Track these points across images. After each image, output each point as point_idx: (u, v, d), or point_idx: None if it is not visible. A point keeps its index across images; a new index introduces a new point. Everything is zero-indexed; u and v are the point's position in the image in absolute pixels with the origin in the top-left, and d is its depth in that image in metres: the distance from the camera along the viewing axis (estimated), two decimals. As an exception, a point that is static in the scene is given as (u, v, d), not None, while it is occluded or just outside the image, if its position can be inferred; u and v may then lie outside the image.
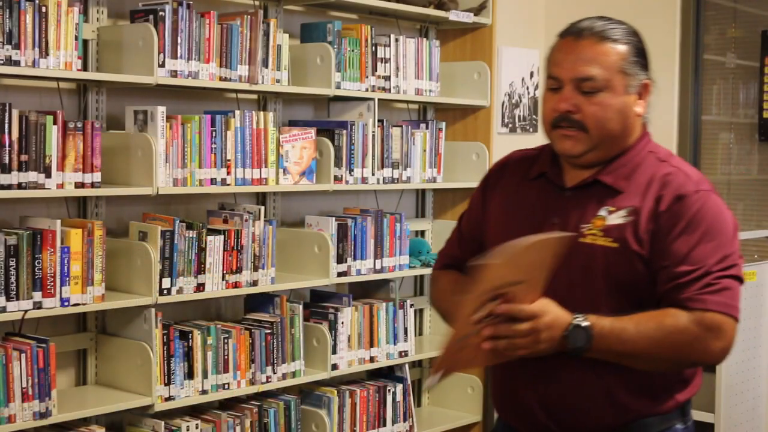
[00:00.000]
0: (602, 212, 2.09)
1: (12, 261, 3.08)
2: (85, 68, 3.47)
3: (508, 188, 2.25)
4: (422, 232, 4.76)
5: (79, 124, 3.24)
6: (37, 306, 3.15)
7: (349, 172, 4.03)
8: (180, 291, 3.48)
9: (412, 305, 4.34)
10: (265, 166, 3.75)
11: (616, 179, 2.11)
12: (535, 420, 2.16)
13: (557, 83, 2.11)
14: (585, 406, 2.11)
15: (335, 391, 4.05)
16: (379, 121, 4.16)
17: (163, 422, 3.50)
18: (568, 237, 2.00)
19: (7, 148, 3.06)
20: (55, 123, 3.17)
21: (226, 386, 3.64)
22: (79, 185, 3.24)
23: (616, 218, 2.07)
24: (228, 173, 3.62)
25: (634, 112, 2.13)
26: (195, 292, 3.53)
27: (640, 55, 2.13)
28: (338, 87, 4.00)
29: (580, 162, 2.14)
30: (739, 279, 2.04)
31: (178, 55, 3.49)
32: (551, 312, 1.98)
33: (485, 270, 1.94)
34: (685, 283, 2.00)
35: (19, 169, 3.10)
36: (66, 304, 3.21)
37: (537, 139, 4.80)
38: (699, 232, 2.02)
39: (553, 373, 2.11)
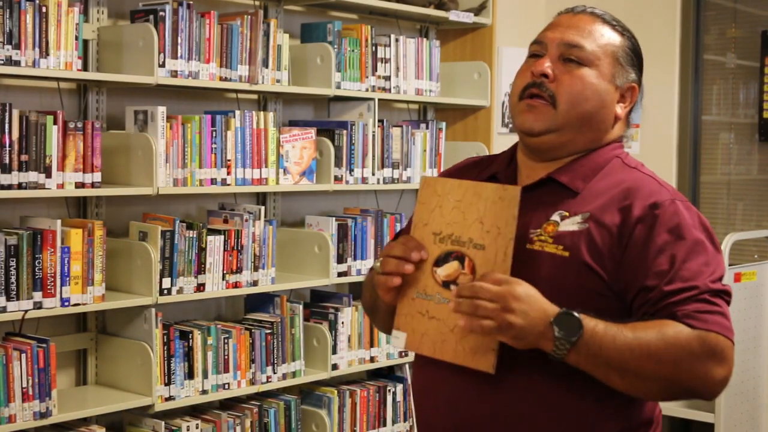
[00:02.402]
0: (555, 217, 1.83)
1: (12, 261, 3.08)
2: (85, 68, 3.47)
3: None
4: (422, 232, 4.75)
5: (80, 124, 3.24)
6: (38, 306, 3.15)
7: (350, 172, 4.03)
8: (180, 291, 3.48)
9: (412, 305, 4.33)
10: (266, 166, 3.75)
11: (572, 179, 1.86)
12: None
13: (541, 48, 1.90)
14: None
15: (335, 391, 4.05)
16: (379, 121, 4.16)
17: (163, 422, 3.50)
18: (512, 189, 1.76)
19: (8, 148, 3.06)
20: (55, 123, 3.17)
21: (227, 386, 3.64)
22: (80, 185, 3.24)
23: (570, 224, 1.81)
24: (228, 173, 3.63)
25: (613, 109, 1.90)
26: (195, 292, 3.53)
27: (636, 54, 1.94)
28: (338, 87, 4.01)
29: (537, 144, 1.89)
30: (729, 297, 1.79)
31: (179, 55, 3.49)
32: (528, 287, 1.68)
33: (423, 185, 1.80)
34: (679, 302, 1.72)
35: (20, 169, 3.10)
36: (66, 304, 3.21)
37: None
38: (685, 246, 1.76)
39: (487, 389, 1.79)
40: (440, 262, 1.76)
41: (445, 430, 1.85)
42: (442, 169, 4.41)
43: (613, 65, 1.89)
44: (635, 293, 1.76)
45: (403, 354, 4.25)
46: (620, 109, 1.92)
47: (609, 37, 1.90)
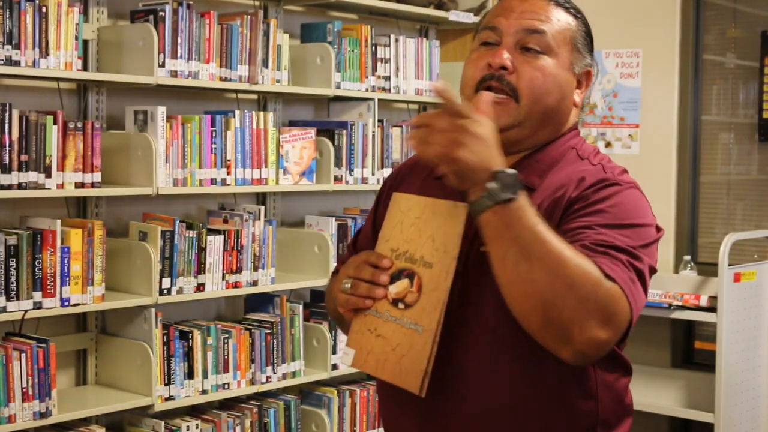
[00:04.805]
0: None
1: (12, 261, 3.08)
2: (85, 68, 3.47)
3: (409, 191, 1.83)
4: (422, 232, 4.75)
5: (80, 124, 3.24)
6: (38, 306, 3.15)
7: (349, 172, 4.03)
8: (180, 291, 3.48)
9: (412, 305, 4.33)
10: (265, 166, 3.75)
11: (528, 176, 1.72)
12: None
13: (495, 35, 1.76)
14: None
15: (335, 391, 4.05)
16: (379, 121, 4.16)
17: (163, 422, 3.50)
18: (461, 206, 1.64)
19: (8, 148, 3.06)
20: (55, 123, 3.17)
21: (226, 386, 3.64)
22: (79, 185, 3.24)
23: None
24: (228, 173, 3.63)
25: (572, 98, 1.80)
26: (195, 292, 3.53)
27: (590, 39, 1.83)
28: (338, 87, 4.01)
29: (500, 139, 1.70)
30: (645, 277, 1.62)
31: (178, 55, 3.49)
32: (492, 134, 1.57)
33: (392, 201, 1.76)
34: (592, 249, 1.58)
35: (20, 169, 3.10)
36: (66, 304, 3.21)
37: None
38: (611, 218, 1.64)
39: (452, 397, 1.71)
40: (393, 279, 1.71)
41: None
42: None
43: (571, 52, 1.78)
44: None
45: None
46: (578, 97, 1.82)
47: (565, 21, 1.78)
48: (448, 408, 1.72)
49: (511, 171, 1.54)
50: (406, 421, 1.77)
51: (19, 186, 3.10)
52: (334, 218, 4.05)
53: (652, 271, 1.67)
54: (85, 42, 3.49)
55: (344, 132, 4.03)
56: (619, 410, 1.78)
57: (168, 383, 3.47)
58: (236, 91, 3.96)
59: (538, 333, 1.55)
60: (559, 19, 1.77)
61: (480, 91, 1.73)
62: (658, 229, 1.72)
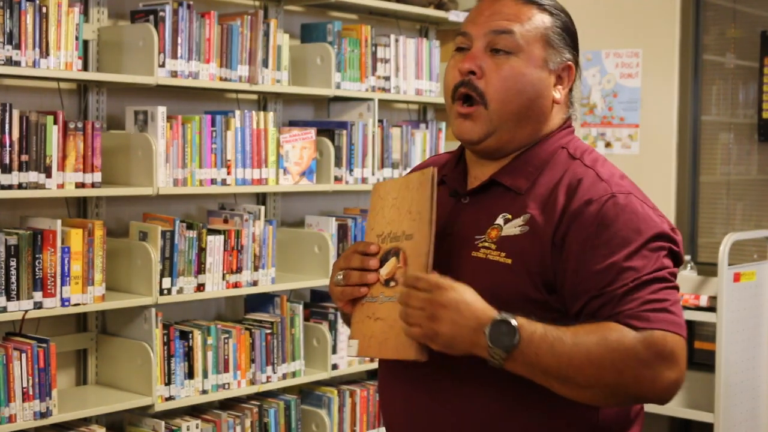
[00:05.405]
0: (499, 220, 1.72)
1: (12, 261, 3.08)
2: (85, 68, 3.47)
3: None
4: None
5: (80, 125, 3.24)
6: (38, 306, 3.15)
7: (349, 173, 4.04)
8: (180, 291, 3.48)
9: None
10: (265, 166, 3.75)
11: (515, 179, 1.74)
12: None
13: (467, 41, 1.77)
14: None
15: (335, 391, 4.05)
16: (379, 121, 4.16)
17: (163, 422, 3.50)
18: (428, 171, 1.68)
19: (8, 148, 3.06)
20: (55, 123, 3.17)
21: (226, 386, 3.64)
22: (80, 185, 3.24)
23: (512, 228, 1.70)
24: (228, 173, 3.63)
25: (550, 96, 1.77)
26: (195, 292, 3.53)
27: (568, 33, 1.80)
28: (338, 87, 4.01)
29: (479, 150, 1.78)
30: (673, 286, 1.65)
31: (179, 55, 3.49)
32: (466, 294, 1.58)
33: (372, 193, 1.81)
34: (617, 298, 1.60)
35: (20, 169, 3.10)
36: (66, 304, 3.21)
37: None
38: (622, 244, 1.63)
39: (443, 397, 1.73)
40: (383, 262, 1.73)
41: None
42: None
43: (544, 49, 1.76)
44: (576, 302, 1.65)
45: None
46: (558, 93, 1.79)
47: (536, 19, 1.76)
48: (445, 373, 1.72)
49: (499, 318, 1.56)
50: (418, 396, 1.76)
51: (20, 186, 3.11)
52: (334, 218, 4.05)
53: (678, 264, 1.69)
54: (86, 42, 3.49)
55: (344, 132, 4.03)
56: (621, 418, 1.75)
57: (168, 383, 3.47)
58: (236, 91, 3.96)
59: (622, 404, 1.69)
60: (530, 18, 1.76)
61: (456, 100, 1.76)
62: (672, 228, 1.70)
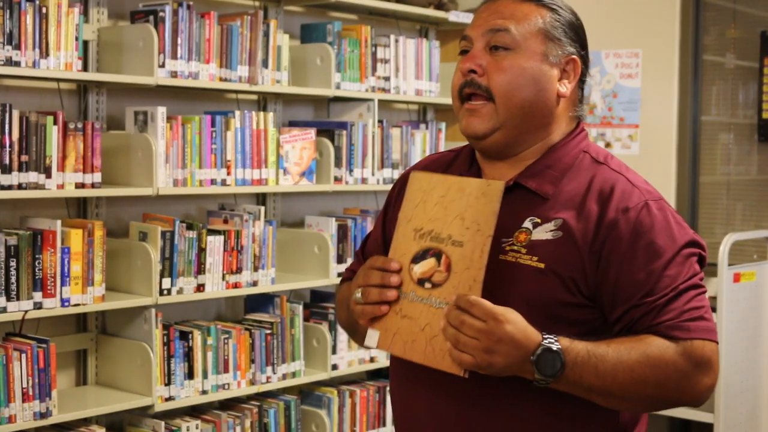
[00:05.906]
0: (527, 224, 1.73)
1: (12, 261, 3.08)
2: (85, 69, 3.48)
3: None
4: (422, 233, 4.75)
5: (80, 125, 3.24)
6: (38, 306, 3.15)
7: (349, 173, 4.04)
8: (180, 291, 3.48)
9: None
10: (265, 167, 3.75)
11: (540, 184, 1.76)
12: None
13: (468, 43, 1.81)
14: None
15: (335, 391, 4.05)
16: (379, 121, 4.16)
17: (163, 422, 3.50)
18: (494, 183, 1.67)
19: (8, 149, 3.06)
20: (55, 123, 3.17)
21: (226, 386, 3.65)
22: (80, 186, 3.24)
23: (543, 233, 1.71)
24: (228, 173, 3.63)
25: (554, 88, 1.78)
26: (195, 292, 3.53)
27: (570, 27, 1.81)
28: (338, 87, 4.01)
29: (487, 146, 1.79)
30: (704, 290, 1.72)
31: (178, 55, 3.49)
32: (518, 324, 1.59)
33: (411, 181, 1.75)
34: (658, 309, 1.66)
35: (20, 170, 3.10)
36: (66, 304, 3.21)
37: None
38: (659, 254, 1.68)
39: (482, 408, 1.73)
40: (417, 259, 1.70)
41: None
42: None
43: (543, 43, 1.77)
44: (615, 309, 1.69)
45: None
46: (564, 87, 1.80)
47: (533, 14, 1.78)
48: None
49: (543, 347, 1.59)
50: (448, 406, 1.75)
51: (20, 186, 3.11)
52: (334, 218, 4.05)
53: (702, 264, 1.74)
54: (86, 42, 3.49)
55: (344, 132, 4.03)
56: (635, 416, 1.81)
57: (168, 383, 3.47)
58: (236, 92, 3.96)
59: (658, 410, 1.75)
60: (526, 14, 1.78)
61: (463, 101, 1.79)
62: (696, 241, 1.74)
